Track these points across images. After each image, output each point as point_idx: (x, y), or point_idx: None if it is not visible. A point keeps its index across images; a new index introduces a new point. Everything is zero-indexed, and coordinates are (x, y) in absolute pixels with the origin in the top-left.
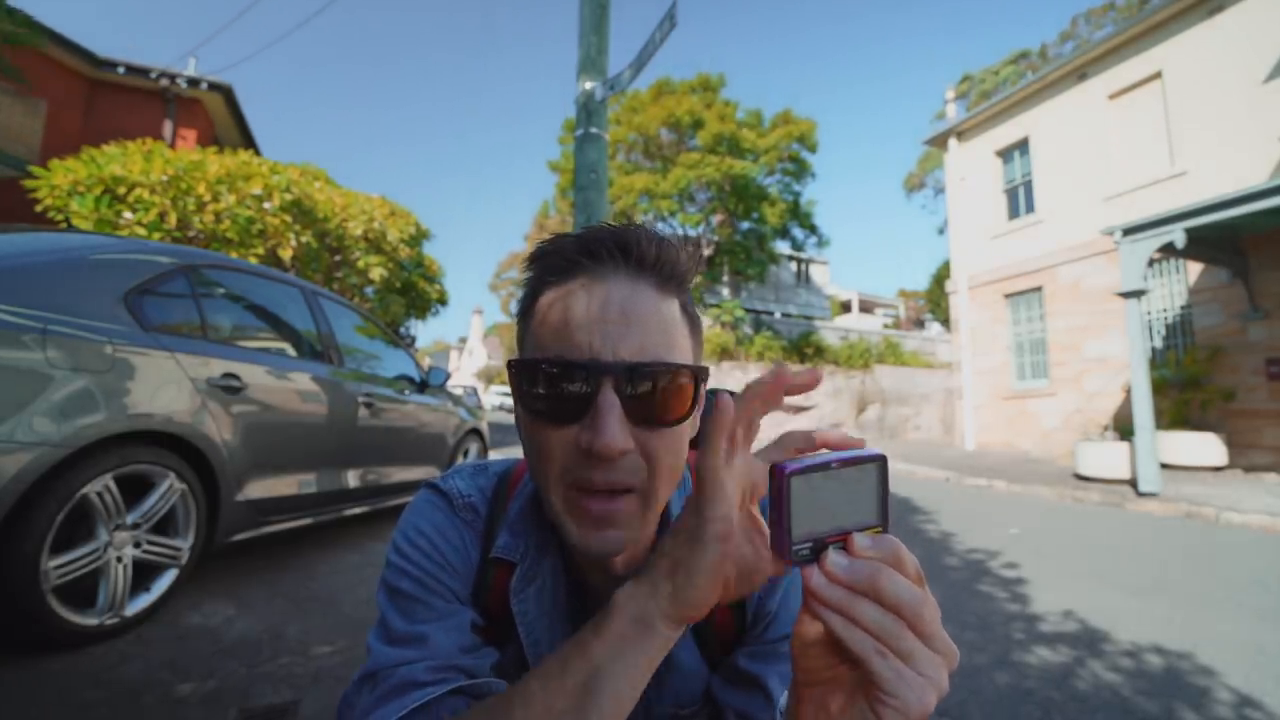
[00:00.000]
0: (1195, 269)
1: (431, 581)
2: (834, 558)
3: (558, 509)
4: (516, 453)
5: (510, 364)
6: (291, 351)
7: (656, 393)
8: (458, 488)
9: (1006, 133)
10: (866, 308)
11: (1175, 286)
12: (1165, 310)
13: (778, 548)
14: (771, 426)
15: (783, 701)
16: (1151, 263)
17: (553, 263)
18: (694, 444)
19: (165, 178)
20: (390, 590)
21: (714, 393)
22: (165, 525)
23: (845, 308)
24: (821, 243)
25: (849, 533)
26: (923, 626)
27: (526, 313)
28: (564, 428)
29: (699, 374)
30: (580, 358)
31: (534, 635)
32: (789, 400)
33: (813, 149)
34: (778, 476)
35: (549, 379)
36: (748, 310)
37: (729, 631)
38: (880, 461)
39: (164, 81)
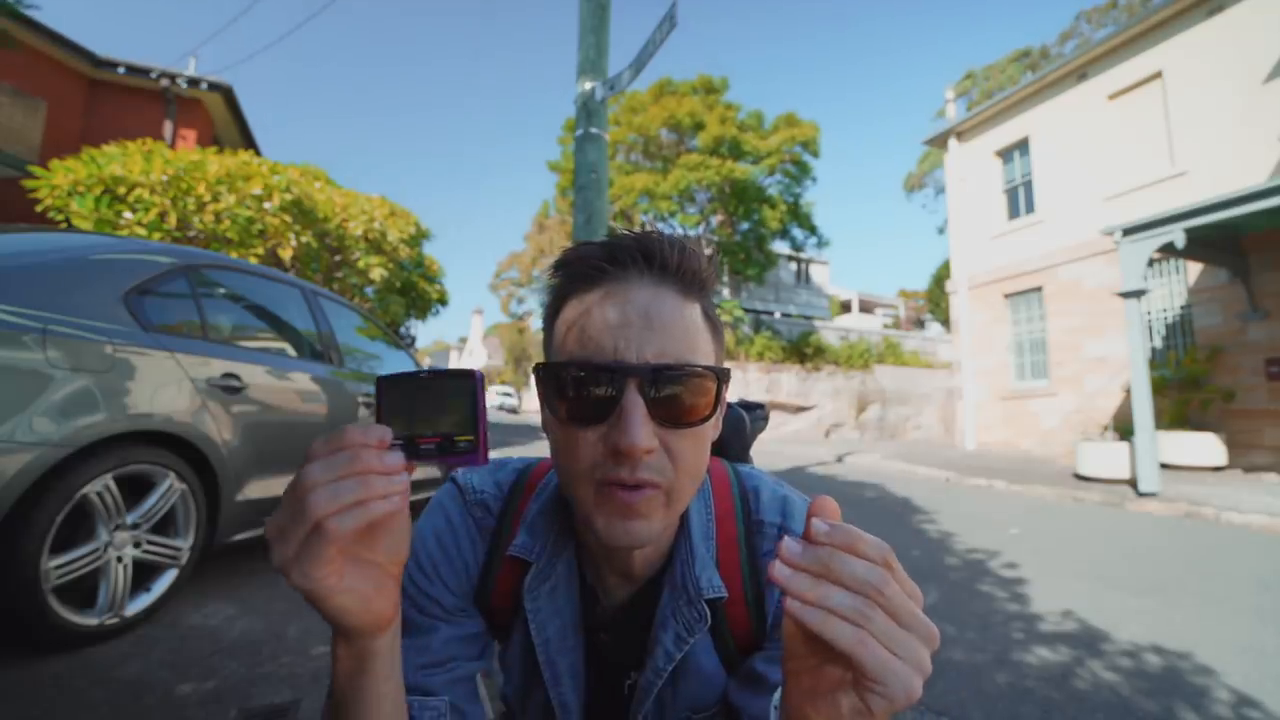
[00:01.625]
0: (1195, 269)
1: (422, 599)
2: (789, 543)
3: (586, 504)
4: (515, 453)
5: (537, 367)
6: (291, 351)
7: (679, 394)
8: (473, 483)
9: (1006, 133)
10: (866, 308)
11: (1175, 286)
12: (1165, 310)
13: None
14: (769, 426)
15: (777, 696)
16: (1151, 263)
17: (578, 270)
18: (716, 450)
19: (165, 178)
20: None
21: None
22: (165, 525)
23: (845, 308)
24: (821, 244)
25: (445, 437)
26: (889, 604)
27: (552, 318)
28: (591, 428)
29: (721, 376)
30: (606, 360)
31: (545, 634)
32: (789, 400)
33: (815, 154)
34: (378, 383)
35: (576, 382)
36: (747, 310)
37: (747, 636)
38: (469, 376)
39: (164, 81)
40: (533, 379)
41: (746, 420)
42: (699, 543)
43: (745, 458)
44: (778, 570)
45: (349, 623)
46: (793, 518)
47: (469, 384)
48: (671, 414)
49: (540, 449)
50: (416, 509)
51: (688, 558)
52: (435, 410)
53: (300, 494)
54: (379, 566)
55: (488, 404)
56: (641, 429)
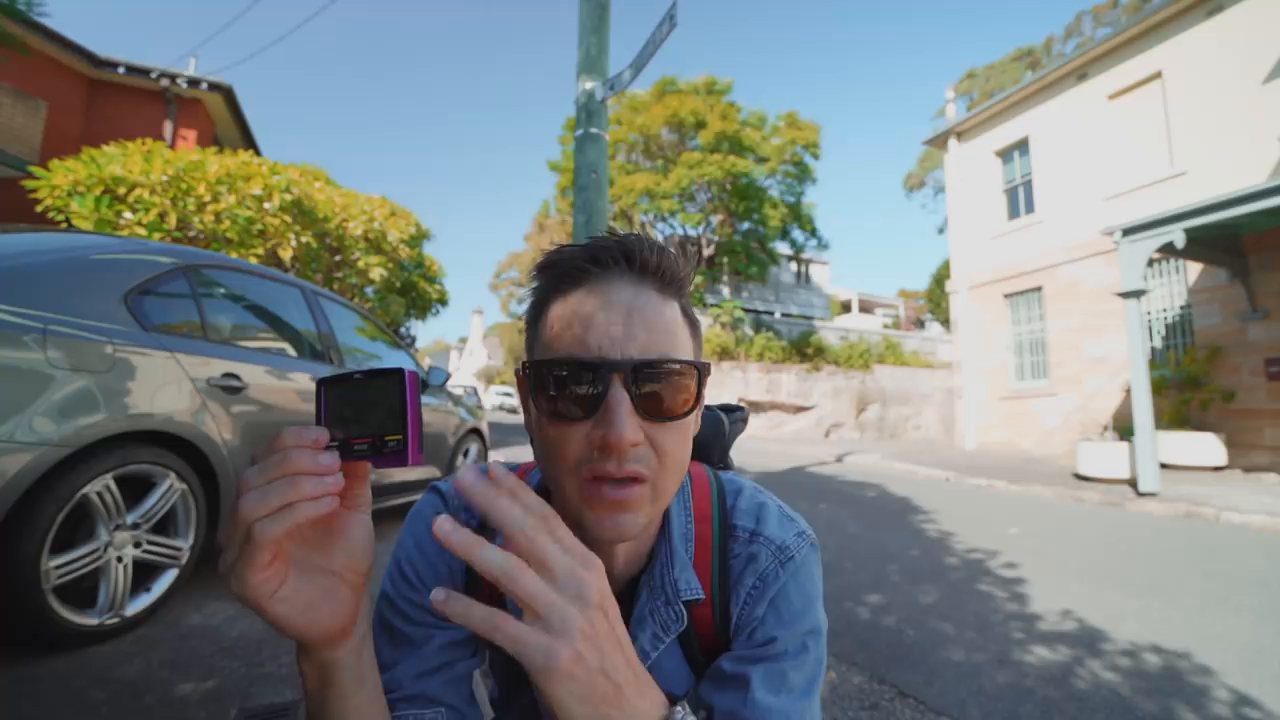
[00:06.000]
0: (1195, 269)
1: (411, 610)
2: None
3: (573, 499)
4: (516, 454)
5: (524, 365)
6: (291, 351)
7: (662, 387)
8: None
9: (1006, 133)
10: (866, 308)
11: (1175, 286)
12: (1165, 310)
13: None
14: (769, 426)
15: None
16: (1151, 263)
17: (561, 271)
18: (698, 454)
19: (165, 178)
20: (378, 615)
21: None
22: (165, 525)
23: (845, 308)
24: (821, 245)
25: (375, 437)
26: (513, 587)
27: (536, 319)
28: (577, 424)
29: (701, 369)
30: (591, 357)
31: None
32: (789, 400)
33: (817, 155)
34: (317, 386)
35: (562, 379)
36: (748, 310)
37: (710, 635)
38: (398, 376)
39: (164, 81)
40: (518, 378)
41: (725, 423)
42: (678, 545)
43: (726, 459)
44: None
45: (294, 633)
46: (766, 523)
47: (398, 384)
48: (656, 407)
49: None
50: (399, 512)
51: (667, 560)
52: (369, 411)
53: (236, 498)
54: (333, 574)
55: (487, 404)
56: (627, 422)
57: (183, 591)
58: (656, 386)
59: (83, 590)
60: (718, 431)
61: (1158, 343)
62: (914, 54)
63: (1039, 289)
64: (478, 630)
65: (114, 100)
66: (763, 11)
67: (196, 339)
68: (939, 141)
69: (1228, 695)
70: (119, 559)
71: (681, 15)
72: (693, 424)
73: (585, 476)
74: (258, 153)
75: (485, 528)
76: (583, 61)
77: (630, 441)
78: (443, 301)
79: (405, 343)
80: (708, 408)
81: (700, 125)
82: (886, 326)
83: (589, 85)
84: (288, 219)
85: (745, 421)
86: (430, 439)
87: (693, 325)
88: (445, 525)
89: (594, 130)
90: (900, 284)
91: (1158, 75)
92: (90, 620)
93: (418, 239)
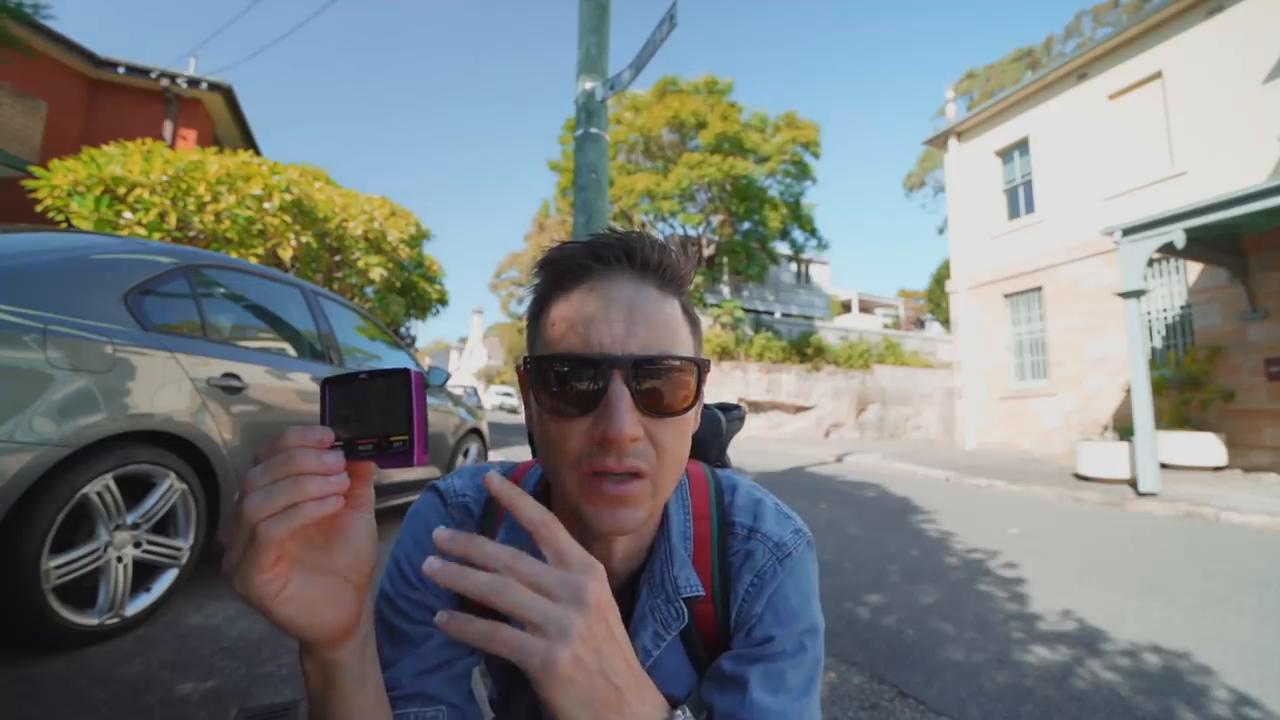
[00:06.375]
0: (1195, 269)
1: (411, 609)
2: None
3: (574, 493)
4: (516, 454)
5: (526, 361)
6: (291, 351)
7: (662, 384)
8: (454, 487)
9: (1006, 133)
10: (866, 308)
11: (1175, 286)
12: (1165, 310)
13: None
14: (769, 426)
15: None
16: (1151, 263)
17: (563, 268)
18: (695, 452)
19: (165, 178)
20: (377, 614)
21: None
22: (165, 525)
23: (845, 308)
24: (821, 245)
25: (381, 437)
26: (501, 602)
27: (538, 315)
28: (578, 419)
29: (701, 366)
30: (592, 353)
31: None
32: (789, 400)
33: (817, 155)
34: (322, 386)
35: (563, 374)
36: (748, 310)
37: (712, 632)
38: (404, 376)
39: (164, 81)
40: (519, 374)
41: (723, 421)
42: (677, 542)
43: (723, 458)
44: (426, 566)
45: (298, 634)
46: (764, 520)
47: (403, 384)
48: (655, 403)
49: None
50: (399, 512)
51: (666, 557)
52: (373, 411)
53: (240, 498)
54: (337, 575)
55: (487, 404)
56: (627, 418)
57: (183, 591)
58: (656, 383)
59: (83, 590)
60: (715, 430)
61: (1158, 343)
62: (914, 53)
63: (1039, 289)
64: (476, 644)
65: (114, 100)
66: (763, 10)
67: (196, 339)
68: (939, 141)
69: (1228, 695)
70: (119, 559)
71: (682, 15)
72: (692, 420)
73: (585, 471)
74: (258, 152)
75: (485, 524)
76: (583, 61)
77: (630, 436)
78: (443, 301)
79: (405, 343)
80: (705, 406)
81: (701, 126)
82: (886, 326)
83: (589, 85)
84: (288, 219)
85: (742, 420)
86: (430, 439)
87: (693, 323)
88: (434, 563)
89: (594, 130)
90: (900, 284)
91: (1158, 75)
92: (90, 620)
93: (418, 239)
